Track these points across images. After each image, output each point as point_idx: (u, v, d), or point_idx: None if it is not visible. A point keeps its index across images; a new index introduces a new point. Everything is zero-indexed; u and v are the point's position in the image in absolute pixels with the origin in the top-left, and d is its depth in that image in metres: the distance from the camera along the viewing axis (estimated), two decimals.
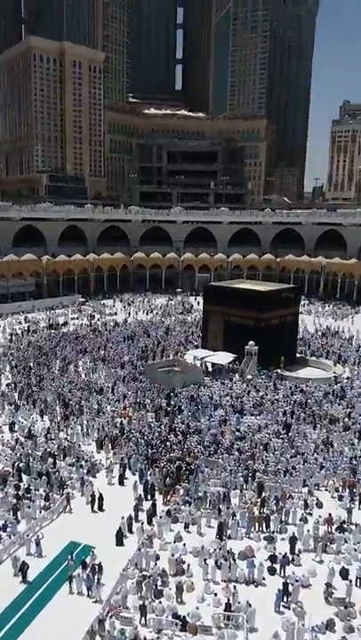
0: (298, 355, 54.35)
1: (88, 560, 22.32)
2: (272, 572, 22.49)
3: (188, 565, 22.51)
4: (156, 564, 22.66)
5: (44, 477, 28.83)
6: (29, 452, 31.69)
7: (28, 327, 66.25)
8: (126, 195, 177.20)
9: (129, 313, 76.54)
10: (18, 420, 36.73)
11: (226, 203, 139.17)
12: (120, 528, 24.73)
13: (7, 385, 44.22)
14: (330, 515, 25.75)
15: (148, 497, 27.89)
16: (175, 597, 20.85)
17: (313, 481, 29.30)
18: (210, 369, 49.86)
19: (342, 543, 24.13)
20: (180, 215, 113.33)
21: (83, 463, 30.70)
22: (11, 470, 29.65)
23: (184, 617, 19.51)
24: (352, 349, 57.43)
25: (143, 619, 19.70)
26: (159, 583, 21.47)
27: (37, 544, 23.87)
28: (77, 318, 73.58)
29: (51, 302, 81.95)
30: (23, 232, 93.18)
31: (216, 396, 41.35)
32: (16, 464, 30.06)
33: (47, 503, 26.92)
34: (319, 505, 27.46)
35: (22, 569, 22.03)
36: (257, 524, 25.73)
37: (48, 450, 31.86)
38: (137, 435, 33.75)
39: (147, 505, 27.01)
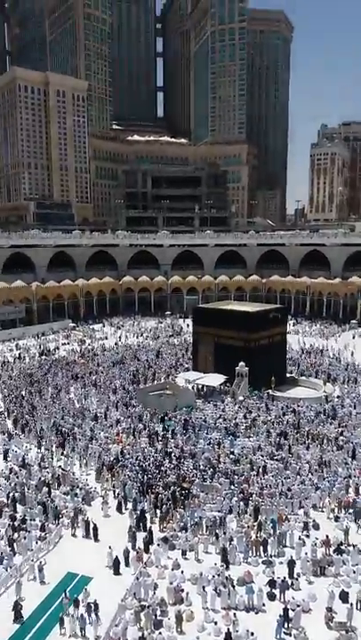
0: (288, 374, 54.69)
1: (81, 597, 21.82)
2: (272, 597, 22.36)
3: (187, 593, 22.31)
4: (154, 593, 22.44)
5: (39, 507, 28.52)
6: (24, 481, 31.36)
7: (20, 354, 65.94)
8: (113, 220, 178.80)
9: (119, 337, 76.58)
10: (11, 449, 36.37)
11: (211, 226, 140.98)
12: (117, 557, 24.50)
13: (0, 413, 43.84)
14: (327, 536, 25.74)
15: (144, 524, 27.66)
16: (175, 627, 20.63)
17: (309, 502, 29.32)
18: (202, 391, 49.91)
19: (341, 565, 24.07)
20: (166, 239, 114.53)
21: (77, 491, 30.43)
22: (5, 501, 29.29)
23: None
24: (341, 368, 57.94)
25: None
26: (158, 613, 21.24)
27: (40, 570, 23.69)
28: (68, 343, 73.46)
29: (41, 328, 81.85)
30: (12, 259, 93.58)
31: (209, 418, 41.35)
32: (11, 494, 29.72)
33: (43, 533, 26.59)
34: (316, 527, 27.44)
35: (16, 608, 21.39)
36: (254, 549, 25.63)
37: (42, 479, 31.56)
38: (131, 461, 33.57)
39: (143, 532, 26.79)
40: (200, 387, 50.42)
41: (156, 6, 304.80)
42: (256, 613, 21.67)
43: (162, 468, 32.37)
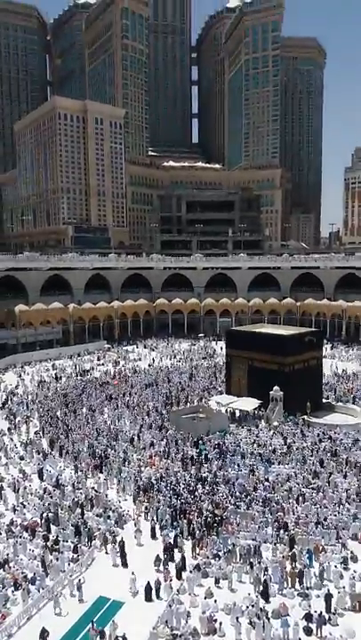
0: (324, 400, 53.56)
1: (107, 630, 21.32)
2: (308, 632, 21.58)
3: (220, 624, 21.77)
4: (186, 621, 21.97)
5: (71, 528, 28.53)
6: (57, 501, 31.50)
7: (56, 374, 66.97)
8: (148, 243, 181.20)
9: (153, 359, 76.87)
10: (46, 469, 36.68)
11: (244, 249, 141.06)
12: (149, 583, 24.17)
13: (35, 433, 44.40)
14: None
15: (177, 550, 27.28)
16: None
17: (346, 533, 28.36)
18: (235, 415, 49.36)
19: None
20: (199, 262, 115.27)
21: (110, 514, 30.33)
22: (39, 521, 29.44)
23: None
24: None
25: None
26: None
27: (79, 588, 23.73)
28: (102, 364, 74.18)
29: (77, 349, 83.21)
30: (51, 281, 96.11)
31: (243, 443, 40.80)
32: (44, 514, 29.86)
33: (76, 555, 26.54)
34: (355, 559, 26.47)
35: (43, 636, 21.01)
36: (290, 580, 24.88)
37: (76, 500, 31.62)
38: (164, 485, 33.32)
39: (176, 559, 26.40)
40: (233, 411, 49.85)
41: (191, 36, 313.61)
42: None
43: (195, 494, 31.98)
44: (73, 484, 34.24)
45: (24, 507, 31.50)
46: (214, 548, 27.12)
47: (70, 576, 25.14)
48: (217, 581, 25.08)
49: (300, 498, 31.66)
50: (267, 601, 23.41)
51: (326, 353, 68.54)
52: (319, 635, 21.37)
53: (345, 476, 34.72)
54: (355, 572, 24.95)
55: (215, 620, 21.91)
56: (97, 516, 30.32)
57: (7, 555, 26.33)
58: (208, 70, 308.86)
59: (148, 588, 23.99)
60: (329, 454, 38.34)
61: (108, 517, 29.98)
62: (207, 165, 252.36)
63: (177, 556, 26.69)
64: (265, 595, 23.79)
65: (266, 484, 33.54)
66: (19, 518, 30.04)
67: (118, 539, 27.71)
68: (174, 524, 29.26)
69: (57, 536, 28.10)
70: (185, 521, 29.04)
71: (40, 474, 35.97)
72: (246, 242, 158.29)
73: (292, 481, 34.00)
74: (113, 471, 35.97)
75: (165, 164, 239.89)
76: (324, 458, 37.55)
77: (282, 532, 28.18)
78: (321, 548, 26.80)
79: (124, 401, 53.30)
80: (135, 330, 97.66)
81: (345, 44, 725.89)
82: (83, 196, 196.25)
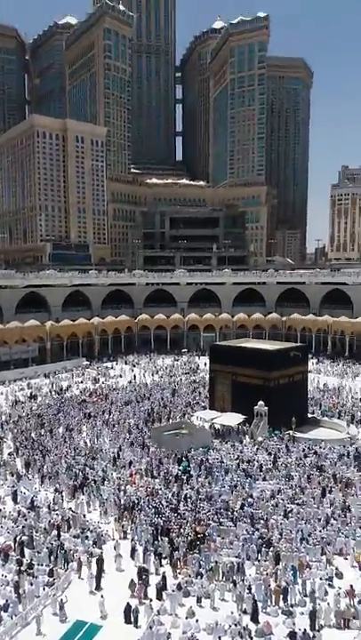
0: (309, 415, 53.15)
1: None
2: None
3: None
4: None
5: (45, 551, 27.41)
6: (32, 523, 30.35)
7: (31, 393, 65.49)
8: (130, 259, 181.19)
9: (134, 375, 75.95)
10: (20, 491, 35.43)
11: (229, 264, 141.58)
12: (128, 604, 23.24)
13: (9, 454, 43.04)
14: (351, 586, 24.13)
15: (158, 569, 26.37)
16: None
17: (331, 549, 27.73)
18: (219, 431, 48.66)
19: None
20: (183, 277, 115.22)
21: (88, 534, 29.29)
22: (12, 545, 28.27)
23: None
24: None
25: None
26: None
27: (61, 607, 23.02)
28: (82, 382, 73.00)
29: (54, 367, 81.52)
30: (27, 299, 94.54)
31: (226, 459, 40.08)
32: (18, 537, 28.70)
33: (51, 579, 25.45)
34: (339, 575, 25.83)
35: None
36: (274, 597, 24.13)
37: (52, 521, 30.50)
38: (145, 503, 32.41)
39: (156, 578, 25.50)
40: (217, 426, 49.15)
41: (175, 56, 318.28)
42: None
43: (178, 512, 31.13)
44: (49, 505, 33.05)
45: None
46: (196, 567, 26.28)
47: (45, 601, 24.06)
48: (199, 600, 24.27)
49: (285, 514, 30.99)
50: (256, 622, 22.58)
51: (312, 368, 68.35)
52: None
53: (330, 492, 34.14)
54: (340, 588, 24.28)
55: None
56: (74, 537, 29.22)
57: None
58: (192, 89, 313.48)
59: (127, 610, 23.06)
60: (315, 469, 37.77)
61: (87, 538, 28.93)
62: (191, 182, 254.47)
63: (157, 576, 25.78)
64: (255, 616, 22.96)
65: (250, 500, 32.84)
66: None
67: (95, 560, 26.69)
68: (155, 543, 28.35)
69: (31, 560, 26.95)
70: (167, 539, 28.15)
71: (14, 496, 34.70)
72: (231, 257, 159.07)
73: (276, 497, 33.33)
74: (92, 491, 34.87)
75: (148, 180, 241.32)
76: (309, 473, 36.96)
77: (266, 548, 27.44)
78: (306, 564, 26.14)
79: (104, 419, 52.22)
80: (116, 346, 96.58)
81: (331, 62, 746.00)
82: (62, 213, 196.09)
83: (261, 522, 30.07)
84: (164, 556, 27.26)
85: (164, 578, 25.31)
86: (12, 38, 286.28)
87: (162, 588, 24.79)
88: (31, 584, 24.73)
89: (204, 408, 54.43)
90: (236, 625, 21.87)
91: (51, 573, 25.78)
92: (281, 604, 24.00)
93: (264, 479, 36.38)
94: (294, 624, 22.11)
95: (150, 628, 21.70)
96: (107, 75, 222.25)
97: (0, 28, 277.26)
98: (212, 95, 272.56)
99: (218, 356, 55.97)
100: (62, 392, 66.36)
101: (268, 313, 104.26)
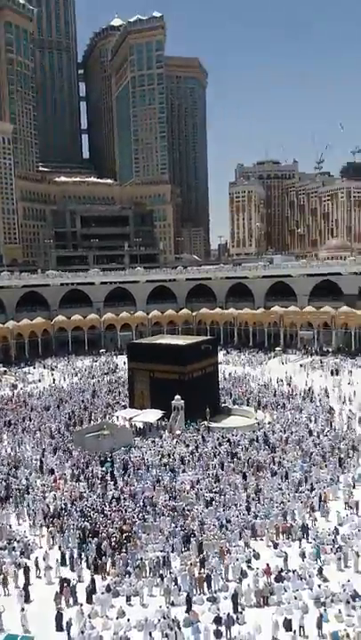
0: (222, 404, 55.52)
1: None
2: (218, 635, 22.13)
3: None
4: None
5: None
6: None
7: None
8: (43, 259, 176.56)
9: (53, 379, 74.76)
10: None
11: (140, 262, 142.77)
12: (58, 612, 23.50)
13: None
14: (267, 565, 26.04)
15: (86, 573, 26.77)
16: None
17: (248, 532, 29.57)
18: (140, 429, 49.55)
19: (282, 593, 24.34)
20: (97, 277, 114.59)
21: (15, 545, 29.04)
22: None
23: None
24: (270, 395, 59.54)
25: None
26: None
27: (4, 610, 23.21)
28: None
29: None
30: None
31: (148, 455, 41.07)
32: None
33: None
34: (257, 556, 27.69)
35: None
36: (198, 586, 25.44)
37: None
38: (70, 508, 32.57)
39: (85, 583, 25.91)
40: (138, 424, 50.00)
41: (77, 53, 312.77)
42: None
43: (103, 513, 31.63)
44: None
45: None
46: (124, 566, 26.98)
47: None
48: (128, 599, 24.99)
49: (205, 503, 32.51)
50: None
51: (221, 359, 71.27)
52: (229, 636, 22.06)
53: (244, 477, 36.20)
54: (257, 568, 26.09)
55: (128, 639, 21.82)
56: (0, 549, 28.86)
57: None
58: (95, 86, 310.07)
59: (58, 618, 23.31)
60: (229, 456, 39.75)
61: (13, 549, 28.69)
62: (99, 180, 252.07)
63: (86, 579, 26.21)
64: (189, 607, 23.66)
65: (171, 493, 34.03)
66: None
67: (21, 571, 26.59)
68: (83, 546, 28.69)
69: None
70: (94, 542, 28.56)
71: None
72: (142, 256, 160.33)
73: (196, 487, 34.80)
74: (19, 501, 34.41)
75: (57, 179, 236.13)
76: (224, 461, 38.86)
77: (188, 539, 28.71)
78: (226, 550, 27.73)
79: (24, 425, 51.28)
80: (33, 350, 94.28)
81: (223, 63, 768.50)
82: None
83: (183, 513, 31.33)
84: (92, 558, 27.68)
85: (92, 581, 25.77)
86: None
87: (91, 591, 25.25)
88: None
89: (125, 407, 55.06)
90: (164, 618, 22.74)
91: None
92: (205, 590, 25.36)
93: (183, 471, 37.78)
94: (219, 609, 23.44)
95: (82, 632, 22.13)
96: (9, 70, 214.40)
97: None
98: (114, 93, 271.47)
99: (135, 354, 56.84)
100: None
101: (179, 309, 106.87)
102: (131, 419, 50.07)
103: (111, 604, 24.55)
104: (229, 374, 70.96)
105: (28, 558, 28.15)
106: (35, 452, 43.53)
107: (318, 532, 29.11)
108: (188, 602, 24.02)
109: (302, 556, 27.26)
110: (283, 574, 25.46)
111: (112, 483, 36.41)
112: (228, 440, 43.62)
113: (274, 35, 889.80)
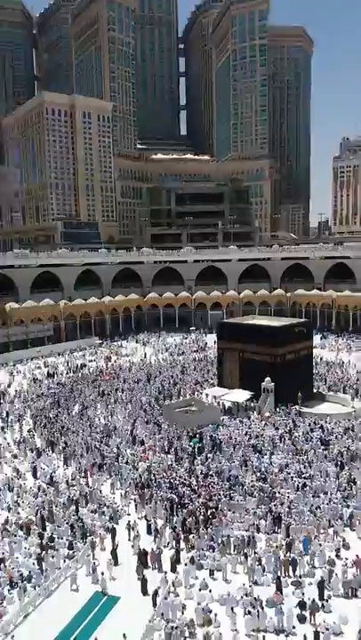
0: (315, 390, 53.96)
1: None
2: (302, 619, 21.89)
3: (216, 615, 22.04)
4: (182, 613, 22.23)
5: (66, 525, 28.67)
6: (52, 499, 31.61)
7: (48, 372, 66.86)
8: (138, 237, 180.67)
9: (145, 353, 76.95)
10: (39, 467, 36.74)
11: (234, 241, 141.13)
12: (144, 576, 24.42)
13: (28, 431, 44.40)
14: (357, 556, 25.14)
15: (172, 544, 27.52)
16: None
17: (339, 521, 28.72)
18: (227, 407, 49.62)
19: None
20: (190, 255, 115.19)
21: (105, 510, 30.50)
22: (34, 519, 29.56)
23: None
24: None
25: None
26: (187, 634, 21.05)
27: (94, 570, 24.85)
28: (94, 360, 74.17)
29: (69, 346, 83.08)
30: (41, 278, 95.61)
31: (235, 435, 41.06)
32: (39, 512, 29.98)
33: (71, 552, 26.70)
34: (346, 546, 26.86)
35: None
36: (283, 569, 25.21)
37: (70, 497, 31.74)
38: (158, 479, 33.52)
39: (170, 552, 26.64)
40: (226, 403, 50.09)
41: (178, 27, 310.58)
42: (286, 636, 21.27)
43: (190, 487, 32.21)
44: (67, 481, 34.33)
45: (18, 505, 31.61)
46: (208, 540, 27.37)
47: (66, 573, 25.34)
48: (211, 573, 25.36)
49: (293, 487, 31.97)
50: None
51: (316, 343, 68.88)
52: (313, 622, 21.70)
53: (336, 465, 35.09)
54: (346, 559, 25.31)
55: (210, 612, 22.19)
56: (91, 512, 30.47)
57: (2, 554, 26.43)
58: (196, 61, 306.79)
59: (143, 582, 24.25)
60: (321, 443, 38.68)
61: (103, 513, 30.15)
62: (196, 157, 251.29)
63: (171, 549, 26.94)
64: (279, 587, 23.62)
65: (258, 474, 33.85)
66: (13, 517, 30.13)
67: (110, 536, 27.86)
68: (170, 517, 29.47)
69: (52, 533, 28.23)
70: (180, 514, 29.24)
71: (34, 472, 36.04)
72: (236, 234, 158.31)
73: (285, 470, 34.31)
74: (113, 470, 35.95)
75: (154, 156, 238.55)
76: (315, 447, 37.89)
77: (275, 521, 28.46)
78: (314, 536, 27.16)
79: (117, 397, 53.36)
80: (127, 325, 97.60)
81: (332, 31, 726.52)
82: (71, 191, 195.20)
83: (270, 495, 31.05)
84: (178, 530, 28.37)
85: (177, 552, 26.44)
86: (18, 12, 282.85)
87: (176, 561, 25.94)
88: (52, 557, 25.97)
89: (213, 385, 55.30)
90: (247, 596, 22.82)
91: (70, 546, 27.05)
92: (290, 574, 25.08)
93: (272, 454, 37.34)
94: (303, 594, 23.15)
95: (166, 598, 22.86)
96: (111, 48, 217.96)
97: (6, 3, 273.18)
98: (214, 67, 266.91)
99: (225, 333, 56.58)
100: (77, 370, 67.61)
101: (273, 289, 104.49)
102: (219, 397, 50.24)
103: (195, 575, 25.06)
104: (325, 360, 68.48)
105: (117, 524, 29.43)
106: (125, 423, 45.18)
107: None
108: (278, 583, 23.87)
109: None
110: None
111: (199, 458, 36.90)
112: (321, 427, 42.36)
113: None
